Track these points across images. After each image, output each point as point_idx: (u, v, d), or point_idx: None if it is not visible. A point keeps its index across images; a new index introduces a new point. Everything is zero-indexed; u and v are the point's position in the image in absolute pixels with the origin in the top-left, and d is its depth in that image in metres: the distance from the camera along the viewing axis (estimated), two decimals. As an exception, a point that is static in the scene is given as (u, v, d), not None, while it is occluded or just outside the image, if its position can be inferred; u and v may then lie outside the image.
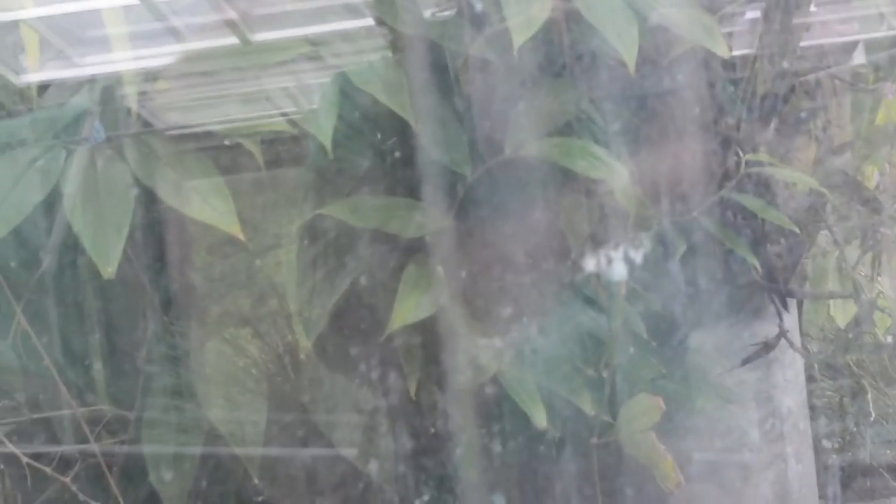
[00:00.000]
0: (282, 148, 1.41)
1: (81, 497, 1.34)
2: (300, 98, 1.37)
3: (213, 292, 1.42)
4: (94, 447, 1.35)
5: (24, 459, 1.33)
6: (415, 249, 1.39)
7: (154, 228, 1.40)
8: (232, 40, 1.40)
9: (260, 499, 1.42)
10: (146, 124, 1.39)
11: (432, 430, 1.40)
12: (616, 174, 1.38)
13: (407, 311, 1.36)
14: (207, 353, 1.41)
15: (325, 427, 1.41)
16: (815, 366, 2.03)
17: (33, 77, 1.44)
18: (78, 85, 1.43)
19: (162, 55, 1.43)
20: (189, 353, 1.42)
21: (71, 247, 1.37)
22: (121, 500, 1.34)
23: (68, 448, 1.36)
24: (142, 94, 1.39)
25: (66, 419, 1.39)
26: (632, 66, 1.32)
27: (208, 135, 1.37)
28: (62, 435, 1.41)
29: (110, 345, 1.43)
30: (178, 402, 1.42)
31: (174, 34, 1.45)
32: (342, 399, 1.41)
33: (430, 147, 1.39)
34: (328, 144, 1.34)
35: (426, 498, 1.41)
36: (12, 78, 1.43)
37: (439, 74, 1.41)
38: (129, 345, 1.43)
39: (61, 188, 1.34)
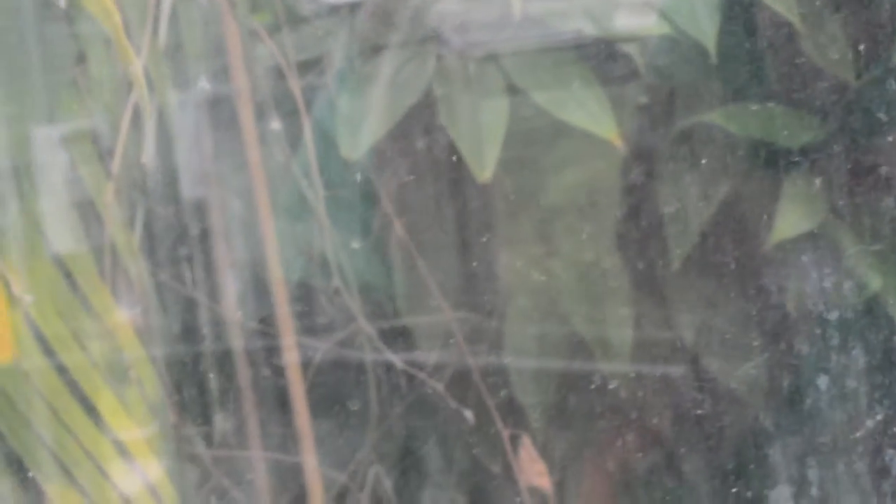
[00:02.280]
0: (656, 55, 1.36)
1: (453, 404, 1.34)
2: (679, 3, 1.32)
3: (581, 203, 1.39)
4: (464, 355, 1.33)
5: (400, 366, 1.32)
6: (793, 160, 1.33)
7: (525, 135, 1.37)
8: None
9: (622, 413, 1.39)
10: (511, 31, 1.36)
11: (808, 347, 1.35)
12: None
13: (788, 224, 1.31)
14: (573, 265, 1.38)
15: (692, 343, 1.37)
16: None
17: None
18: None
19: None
20: (553, 263, 1.39)
21: (438, 151, 1.36)
22: (491, 407, 1.33)
23: (437, 356, 1.35)
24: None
25: (428, 325, 1.39)
26: None
27: (583, 43, 1.34)
28: (421, 341, 1.40)
29: (468, 252, 1.42)
30: (541, 312, 1.39)
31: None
32: (712, 315, 1.37)
33: (812, 52, 1.32)
34: (711, 48, 1.29)
35: (806, 417, 1.36)
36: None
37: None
38: (490, 252, 1.41)
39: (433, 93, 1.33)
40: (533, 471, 1.33)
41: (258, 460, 1.42)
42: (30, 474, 1.21)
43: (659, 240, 1.37)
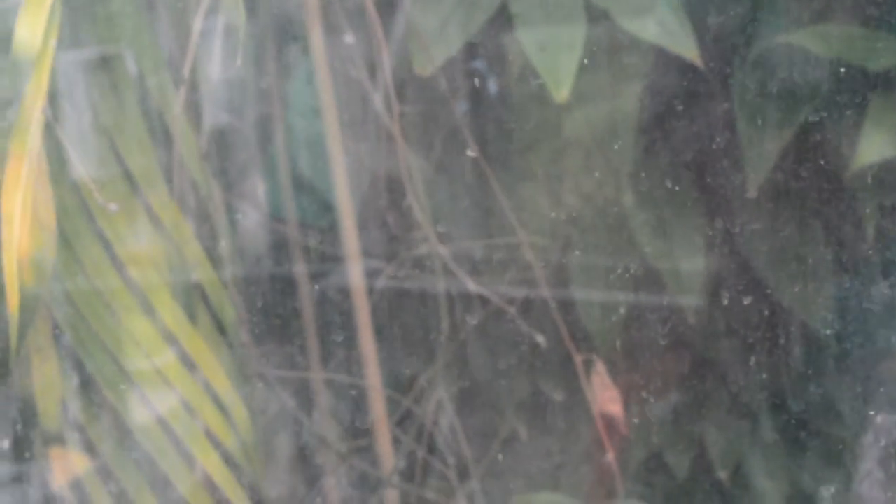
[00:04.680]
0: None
1: (525, 329, 1.32)
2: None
3: (652, 127, 1.36)
4: (538, 280, 1.31)
5: (472, 288, 1.30)
6: (879, 83, 1.30)
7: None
8: None
9: (693, 348, 1.36)
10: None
11: (886, 278, 1.32)
12: None
13: (871, 149, 1.28)
14: (641, 191, 1.36)
15: (766, 275, 1.34)
16: None
17: None
18: None
19: None
20: (618, 190, 1.36)
21: (517, 70, 1.33)
22: (565, 334, 1.31)
23: (509, 279, 1.33)
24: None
25: (500, 249, 1.37)
26: None
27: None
28: (492, 265, 1.38)
29: (537, 177, 1.39)
30: (610, 244, 1.37)
31: None
32: (787, 245, 1.34)
33: (900, -28, 1.29)
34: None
35: (883, 349, 1.34)
36: None
37: None
38: (559, 178, 1.39)
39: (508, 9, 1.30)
40: (605, 397, 1.31)
41: (322, 382, 1.40)
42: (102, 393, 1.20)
43: (735, 166, 1.34)
